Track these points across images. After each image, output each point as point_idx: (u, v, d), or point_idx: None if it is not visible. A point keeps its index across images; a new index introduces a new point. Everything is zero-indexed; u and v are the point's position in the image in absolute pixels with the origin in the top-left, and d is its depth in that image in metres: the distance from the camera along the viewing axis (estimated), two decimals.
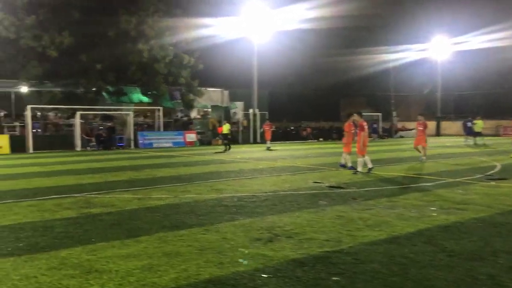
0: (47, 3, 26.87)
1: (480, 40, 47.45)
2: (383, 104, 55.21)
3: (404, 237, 6.31)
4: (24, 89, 30.40)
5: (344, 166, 14.89)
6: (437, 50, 49.70)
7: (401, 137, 46.42)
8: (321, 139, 40.88)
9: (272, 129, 29.40)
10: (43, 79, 28.94)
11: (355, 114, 14.54)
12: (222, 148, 27.16)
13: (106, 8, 30.26)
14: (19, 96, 32.45)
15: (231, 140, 28.28)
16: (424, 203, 8.88)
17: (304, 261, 5.27)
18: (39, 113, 31.25)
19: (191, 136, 33.52)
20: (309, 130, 43.45)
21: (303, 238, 6.30)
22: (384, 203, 8.89)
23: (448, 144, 31.02)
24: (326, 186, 11.15)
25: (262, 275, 4.83)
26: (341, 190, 10.62)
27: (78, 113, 29.00)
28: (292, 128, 44.08)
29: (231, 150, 26.28)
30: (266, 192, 10.34)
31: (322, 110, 61.55)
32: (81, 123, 29.43)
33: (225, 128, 27.77)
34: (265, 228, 6.90)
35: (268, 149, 26.96)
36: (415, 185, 11.45)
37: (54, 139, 29.83)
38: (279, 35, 37.82)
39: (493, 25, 46.56)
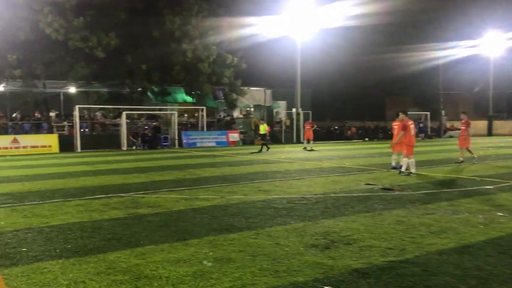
0: (95, 4, 27.38)
1: None
2: (431, 102, 53.30)
3: (475, 246, 5.74)
4: (72, 89, 31.20)
5: (395, 168, 14.23)
6: (489, 46, 47.46)
7: (450, 136, 44.61)
8: (366, 139, 39.89)
9: (313, 129, 27.94)
10: (90, 79, 29.54)
11: (400, 113, 14.00)
12: (260, 148, 26.24)
13: (151, 9, 30.55)
14: (68, 96, 33.36)
15: (267, 141, 27.43)
16: (490, 207, 8.21)
17: (368, 272, 4.82)
18: (86, 113, 31.99)
19: (234, 136, 33.41)
20: (353, 129, 42.51)
21: (362, 245, 5.83)
22: (445, 207, 8.26)
23: (502, 144, 29.46)
24: (380, 188, 10.59)
25: (324, 287, 4.43)
26: (396, 193, 10.03)
27: (124, 113, 29.43)
28: (336, 127, 43.22)
29: (272, 150, 25.88)
30: (316, 194, 9.90)
31: (366, 109, 60.24)
32: (127, 123, 29.88)
33: (262, 128, 27.23)
34: (320, 233, 6.48)
35: (307, 149, 25.83)
36: (475, 188, 10.69)
37: (101, 138, 30.48)
38: (322, 33, 37.14)
39: None
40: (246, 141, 35.22)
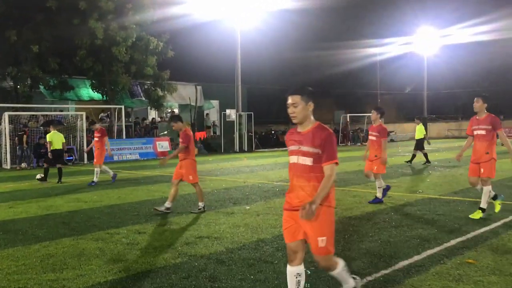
0: None
1: (469, 33, 43.17)
2: (355, 104, 49.62)
3: None
4: None
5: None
6: (423, 44, 44.65)
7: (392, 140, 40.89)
8: None
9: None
10: None
11: None
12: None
13: None
14: None
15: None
16: None
17: None
18: None
19: (164, 145, 25.43)
20: None
21: None
22: None
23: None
24: None
25: None
26: None
27: (7, 115, 20.01)
28: (273, 132, 37.04)
29: (234, 164, 18.69)
30: None
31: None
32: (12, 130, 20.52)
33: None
34: None
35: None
36: None
37: None
38: (264, 17, 30.67)
39: (482, 16, 42.62)
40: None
